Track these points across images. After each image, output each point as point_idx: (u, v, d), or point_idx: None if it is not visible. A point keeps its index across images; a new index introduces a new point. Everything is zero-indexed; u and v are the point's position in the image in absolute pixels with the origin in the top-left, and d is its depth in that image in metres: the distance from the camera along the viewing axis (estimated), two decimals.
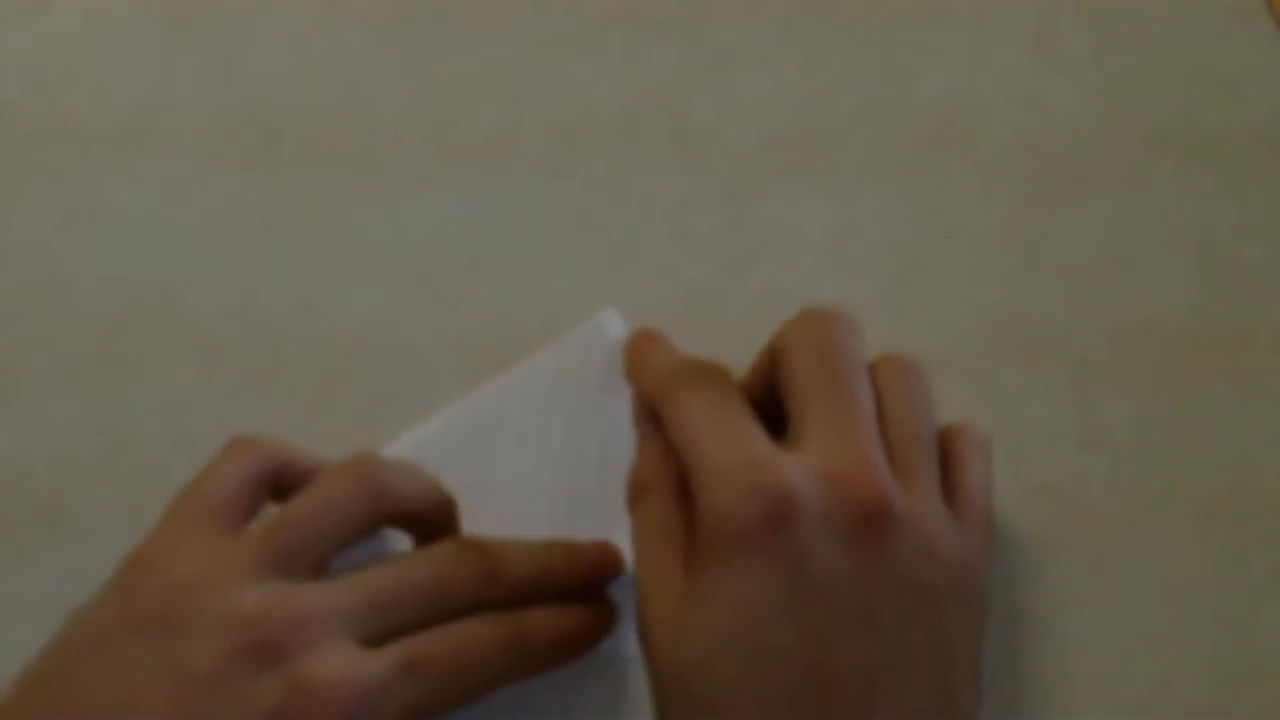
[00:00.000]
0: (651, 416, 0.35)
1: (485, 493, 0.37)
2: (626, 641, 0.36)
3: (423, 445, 0.39)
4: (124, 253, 0.43)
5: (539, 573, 0.34)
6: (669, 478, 0.33)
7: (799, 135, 0.44)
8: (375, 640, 0.31)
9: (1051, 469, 0.39)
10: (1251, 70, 0.44)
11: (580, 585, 0.35)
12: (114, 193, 0.43)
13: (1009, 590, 0.38)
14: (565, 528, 0.37)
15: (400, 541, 0.37)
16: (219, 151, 0.44)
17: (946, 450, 0.34)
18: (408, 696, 0.30)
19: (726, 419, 0.32)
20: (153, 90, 0.45)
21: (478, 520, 0.37)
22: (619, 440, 0.38)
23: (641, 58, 0.45)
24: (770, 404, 0.35)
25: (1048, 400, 0.40)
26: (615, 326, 0.40)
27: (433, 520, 0.34)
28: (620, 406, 0.38)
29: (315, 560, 0.32)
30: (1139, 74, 0.44)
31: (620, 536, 0.36)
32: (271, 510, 0.33)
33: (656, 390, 0.34)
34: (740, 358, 0.41)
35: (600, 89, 0.44)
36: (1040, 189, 0.43)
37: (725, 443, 0.31)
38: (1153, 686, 0.37)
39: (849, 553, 0.29)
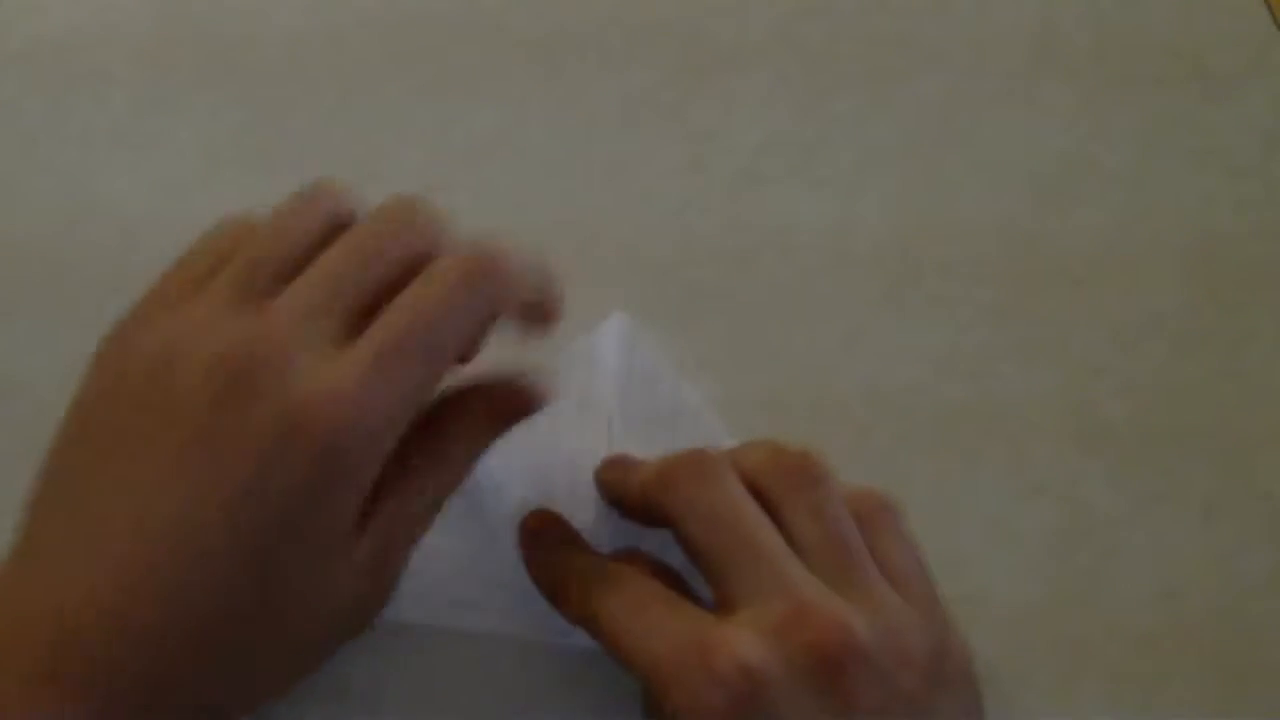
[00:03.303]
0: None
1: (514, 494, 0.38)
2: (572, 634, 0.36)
3: None
4: (125, 252, 0.43)
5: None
6: None
7: (799, 135, 0.44)
8: (345, 321, 0.30)
9: (1051, 469, 0.40)
10: (1251, 70, 0.44)
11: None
12: (114, 192, 0.43)
13: (1009, 590, 0.38)
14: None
15: None
16: (219, 151, 0.44)
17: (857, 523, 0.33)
18: (392, 384, 0.29)
19: (653, 609, 0.31)
20: (152, 90, 0.45)
21: (500, 525, 0.37)
22: (629, 441, 0.38)
23: (641, 58, 0.45)
24: None
25: (1048, 400, 0.40)
26: (625, 328, 0.40)
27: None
28: (631, 414, 0.39)
29: (274, 275, 0.31)
30: (1139, 74, 0.44)
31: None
32: None
33: (580, 610, 0.33)
34: (739, 358, 0.41)
35: (600, 89, 0.44)
36: (1040, 188, 0.43)
37: (662, 634, 0.30)
38: (1153, 686, 0.37)
39: (828, 701, 0.28)
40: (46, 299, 0.42)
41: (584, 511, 0.38)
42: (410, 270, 0.31)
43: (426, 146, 0.44)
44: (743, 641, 0.28)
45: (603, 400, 0.39)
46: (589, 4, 0.45)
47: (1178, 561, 0.38)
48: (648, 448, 0.38)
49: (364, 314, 0.30)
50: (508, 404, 0.33)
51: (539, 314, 0.33)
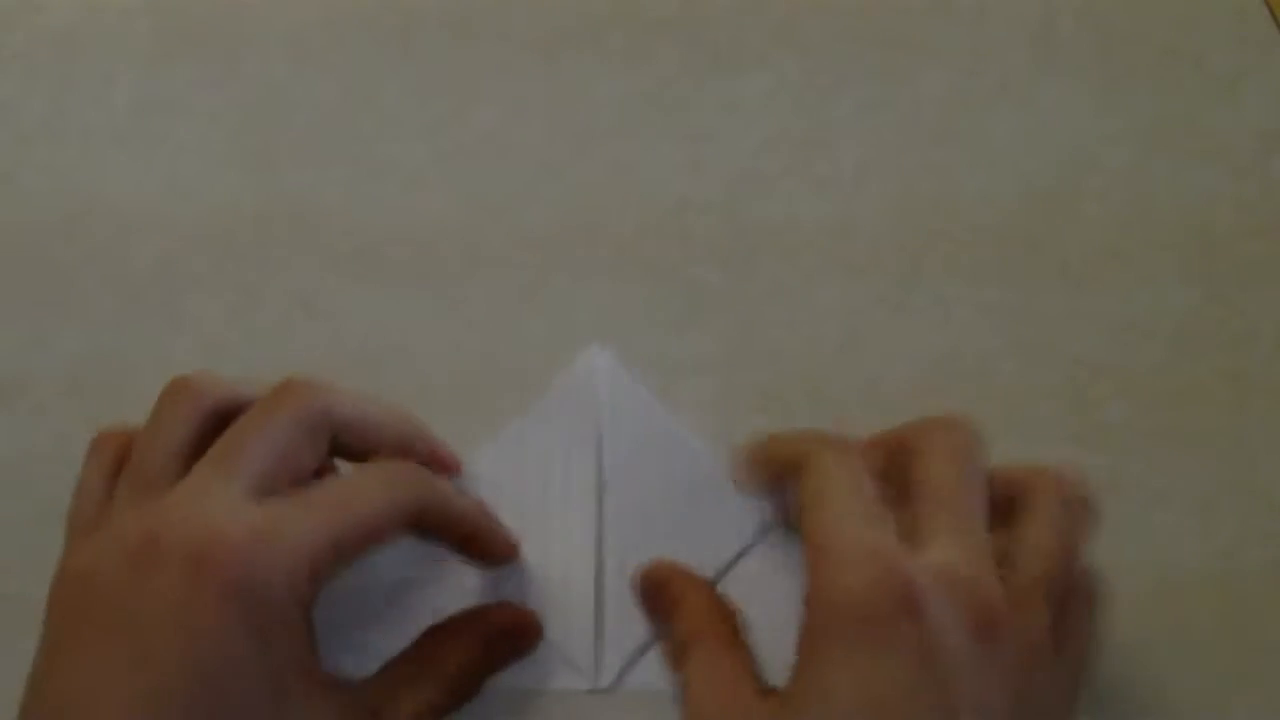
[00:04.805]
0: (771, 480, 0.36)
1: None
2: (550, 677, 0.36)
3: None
4: (125, 252, 0.43)
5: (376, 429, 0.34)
6: (719, 627, 0.34)
7: (799, 135, 0.44)
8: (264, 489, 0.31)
9: None
10: (1251, 70, 0.44)
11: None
12: (114, 192, 0.43)
13: None
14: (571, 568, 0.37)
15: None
16: (219, 152, 0.44)
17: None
18: (306, 529, 0.30)
19: (863, 502, 0.32)
20: (153, 91, 0.45)
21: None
22: (617, 473, 0.38)
23: (641, 58, 0.45)
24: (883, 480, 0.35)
25: (1048, 400, 0.40)
26: (605, 363, 0.40)
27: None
28: (620, 446, 0.38)
29: (163, 467, 0.32)
30: (1139, 74, 0.44)
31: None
32: None
33: (796, 452, 0.34)
34: (739, 359, 0.41)
35: (600, 89, 0.44)
36: (1040, 188, 0.43)
37: (858, 526, 0.31)
38: (1153, 686, 0.37)
39: (969, 646, 0.30)
40: (46, 299, 0.42)
41: (582, 560, 0.37)
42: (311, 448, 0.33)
43: (426, 146, 0.44)
44: (919, 568, 0.30)
45: (591, 437, 0.38)
46: (589, 4, 0.45)
47: (1178, 561, 0.38)
48: (637, 481, 0.38)
49: (273, 489, 0.32)
50: (506, 639, 0.36)
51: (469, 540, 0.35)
